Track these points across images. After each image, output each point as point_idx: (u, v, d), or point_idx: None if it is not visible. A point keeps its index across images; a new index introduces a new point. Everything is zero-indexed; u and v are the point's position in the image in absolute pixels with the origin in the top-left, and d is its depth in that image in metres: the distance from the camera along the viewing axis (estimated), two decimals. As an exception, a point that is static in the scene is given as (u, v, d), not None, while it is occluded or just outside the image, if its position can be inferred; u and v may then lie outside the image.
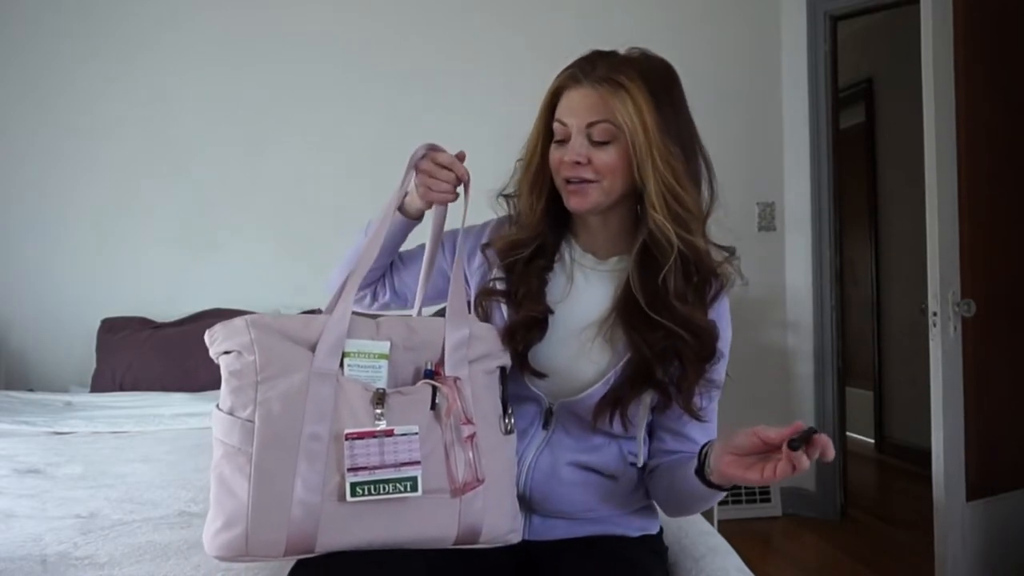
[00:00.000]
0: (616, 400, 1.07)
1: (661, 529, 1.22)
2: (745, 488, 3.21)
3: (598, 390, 1.09)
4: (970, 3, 2.26)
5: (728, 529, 2.42)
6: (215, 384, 1.00)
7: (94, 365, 2.84)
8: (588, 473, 1.13)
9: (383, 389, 0.95)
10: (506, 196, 1.19)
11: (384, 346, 0.98)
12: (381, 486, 0.91)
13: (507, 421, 1.04)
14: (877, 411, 4.48)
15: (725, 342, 1.12)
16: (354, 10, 3.17)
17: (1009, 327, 2.40)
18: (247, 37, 3.13)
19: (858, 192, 4.46)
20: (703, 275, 1.08)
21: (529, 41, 3.17)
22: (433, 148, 1.12)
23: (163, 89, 3.09)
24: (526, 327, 1.09)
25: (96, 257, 3.05)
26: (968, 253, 2.27)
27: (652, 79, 1.05)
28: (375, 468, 0.91)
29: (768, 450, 0.92)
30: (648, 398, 1.09)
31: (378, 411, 0.93)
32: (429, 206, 1.15)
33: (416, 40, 3.19)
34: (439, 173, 1.11)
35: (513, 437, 1.06)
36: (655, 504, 1.20)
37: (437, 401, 0.96)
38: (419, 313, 1.18)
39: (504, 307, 1.13)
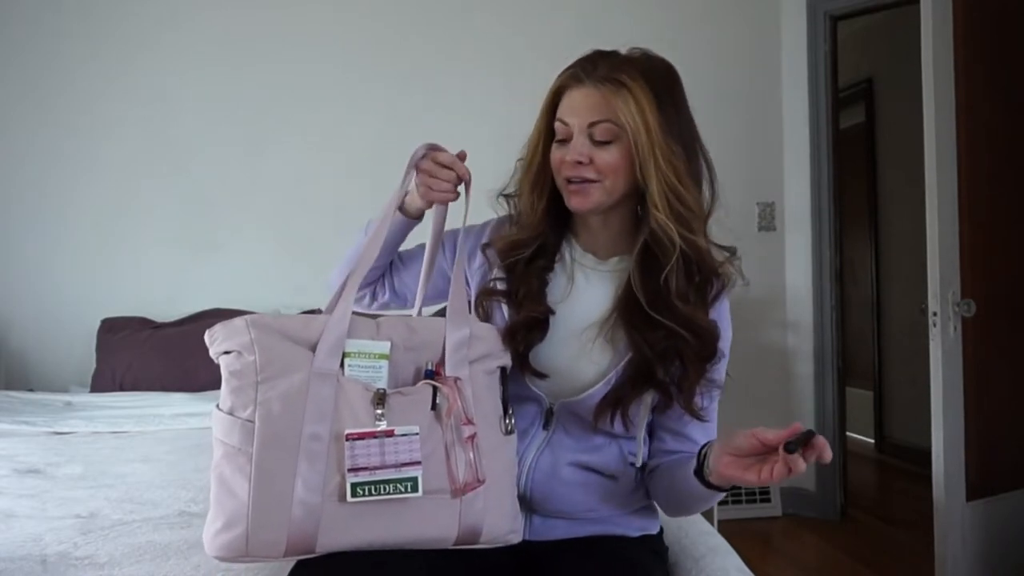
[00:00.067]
0: (617, 400, 1.07)
1: (661, 529, 1.22)
2: (745, 488, 3.21)
3: (599, 390, 1.09)
4: (970, 3, 2.26)
5: (728, 529, 2.42)
6: (215, 384, 1.00)
7: (94, 365, 2.84)
8: (588, 473, 1.13)
9: (383, 389, 0.95)
10: (506, 196, 1.19)
11: (384, 346, 0.98)
12: (382, 486, 0.91)
13: (508, 421, 1.04)
14: (877, 411, 4.48)
15: (726, 342, 1.12)
16: (354, 10, 3.17)
17: (1009, 327, 2.40)
18: (247, 37, 3.13)
19: (858, 192, 4.46)
20: (705, 275, 1.09)
21: (529, 41, 3.17)
22: (434, 148, 1.12)
23: (163, 89, 3.09)
24: (527, 327, 1.09)
25: (96, 257, 3.05)
26: (968, 253, 2.27)
27: (654, 79, 1.06)
28: (376, 468, 0.91)
29: (767, 451, 0.93)
30: (649, 398, 1.09)
31: (379, 411, 0.93)
32: (429, 206, 1.15)
33: (416, 40, 3.19)
34: (440, 172, 1.10)
35: (513, 437, 1.06)
36: (655, 504, 1.20)
37: (438, 401, 0.96)
38: (419, 313, 1.18)
39: (505, 307, 1.13)
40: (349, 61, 3.16)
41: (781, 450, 0.88)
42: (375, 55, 3.18)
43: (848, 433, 3.53)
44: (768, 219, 3.34)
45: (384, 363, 0.98)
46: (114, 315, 2.95)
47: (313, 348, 0.95)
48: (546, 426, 1.13)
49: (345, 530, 0.91)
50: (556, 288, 1.15)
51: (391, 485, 0.91)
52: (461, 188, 1.13)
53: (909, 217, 3.83)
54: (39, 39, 3.03)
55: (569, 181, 1.09)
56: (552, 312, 1.12)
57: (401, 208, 1.16)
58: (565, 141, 1.09)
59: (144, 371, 2.74)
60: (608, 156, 1.06)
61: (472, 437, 0.97)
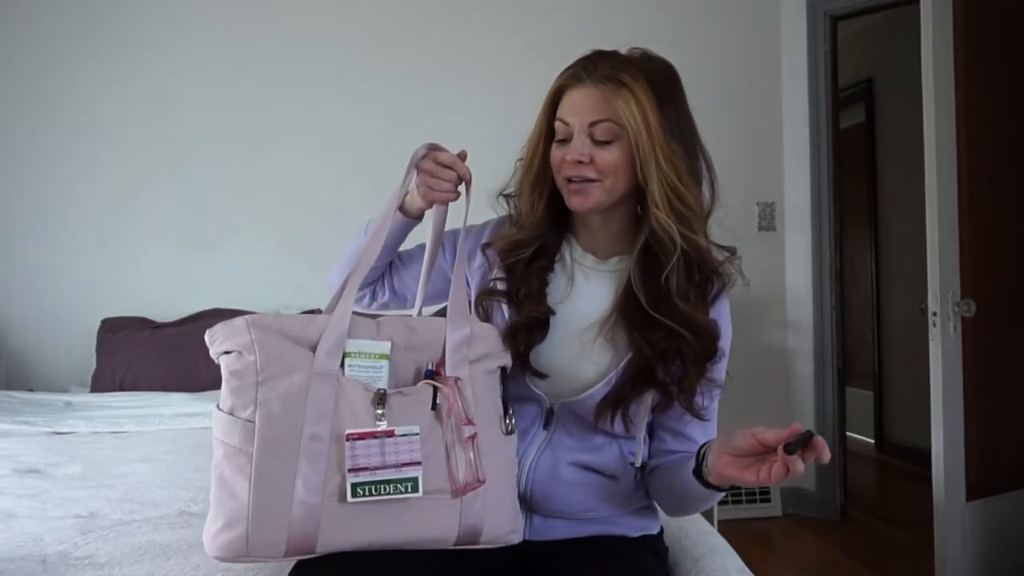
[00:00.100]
0: (617, 400, 1.07)
1: (661, 529, 1.22)
2: (745, 488, 3.21)
3: (599, 390, 1.09)
4: (970, 3, 2.26)
5: (728, 529, 2.42)
6: (215, 384, 1.00)
7: (94, 365, 2.85)
8: (589, 473, 1.13)
9: (384, 389, 0.95)
10: (506, 196, 1.19)
11: (385, 346, 0.98)
12: (382, 487, 0.91)
13: (508, 421, 1.04)
14: (877, 411, 4.48)
15: (726, 341, 1.12)
16: (354, 10, 3.17)
17: (1009, 327, 2.40)
18: (247, 37, 3.13)
19: (858, 192, 4.46)
20: (705, 274, 1.09)
21: (529, 41, 3.17)
22: (434, 147, 1.12)
23: (163, 89, 3.09)
24: (527, 328, 1.09)
25: (96, 257, 3.05)
26: (968, 253, 2.27)
27: (655, 79, 1.06)
28: (376, 468, 0.91)
29: (766, 451, 0.93)
30: (649, 398, 1.09)
31: (379, 411, 0.93)
32: (430, 206, 1.15)
33: (416, 40, 3.19)
34: (441, 172, 1.10)
35: (514, 437, 1.06)
36: (655, 504, 1.20)
37: (438, 401, 0.96)
38: (419, 313, 1.18)
39: (505, 307, 1.13)
40: (349, 61, 3.16)
41: (780, 450, 0.88)
42: (375, 55, 3.18)
43: (848, 433, 3.52)
44: (768, 219, 3.34)
45: (384, 363, 0.98)
46: (114, 315, 2.95)
47: (313, 348, 0.95)
48: (546, 426, 1.13)
49: (345, 530, 0.91)
50: (556, 288, 1.15)
51: (391, 485, 0.91)
52: (461, 188, 1.13)
53: (909, 217, 3.83)
54: (39, 39, 3.03)
55: (569, 180, 1.09)
56: (553, 312, 1.12)
57: (401, 208, 1.16)
58: (565, 141, 1.09)
59: (144, 371, 2.74)
60: (609, 155, 1.06)
61: (472, 437, 0.97)
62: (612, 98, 1.04)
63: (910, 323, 3.85)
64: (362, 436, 0.91)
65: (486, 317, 1.14)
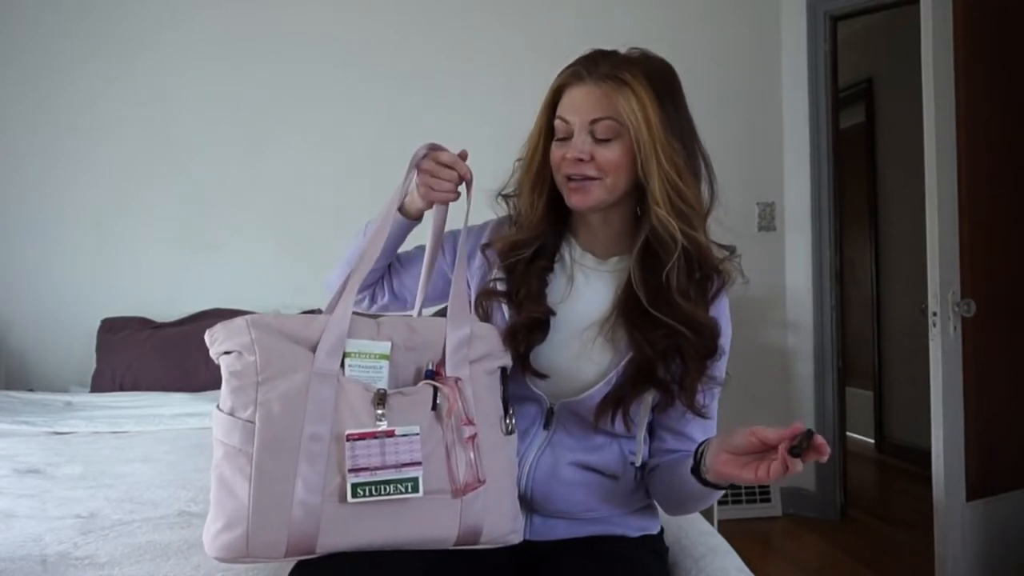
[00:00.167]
0: (618, 400, 1.07)
1: (662, 529, 1.22)
2: (745, 488, 3.21)
3: (599, 390, 1.09)
4: (970, 3, 2.26)
5: (728, 529, 2.41)
6: (215, 384, 1.00)
7: (94, 365, 2.84)
8: (589, 473, 1.13)
9: (384, 390, 0.95)
10: (505, 196, 1.19)
11: (385, 346, 0.98)
12: (382, 487, 0.91)
13: (508, 421, 1.04)
14: (877, 411, 4.48)
15: (726, 339, 1.12)
16: (354, 10, 3.17)
17: (1009, 327, 2.40)
18: (247, 37, 3.13)
19: (858, 192, 4.46)
20: (705, 271, 1.09)
21: (529, 41, 3.17)
22: (435, 147, 1.12)
23: (163, 89, 3.09)
24: (528, 328, 1.09)
25: (96, 257, 3.05)
26: (968, 253, 2.27)
27: (655, 78, 1.06)
28: (376, 469, 0.91)
29: (765, 450, 0.93)
30: (650, 397, 1.09)
31: (379, 412, 0.93)
32: (430, 206, 1.15)
33: (416, 40, 3.19)
34: (441, 172, 1.10)
35: (514, 437, 1.06)
36: (656, 504, 1.20)
37: (438, 401, 0.96)
38: (419, 314, 1.18)
39: (505, 308, 1.13)
40: (349, 61, 3.16)
41: (781, 449, 0.88)
42: (375, 55, 3.18)
43: (848, 433, 3.53)
44: (768, 219, 3.34)
45: (384, 363, 0.98)
46: (114, 315, 2.95)
47: (313, 348, 0.95)
48: (547, 426, 1.13)
49: (345, 531, 0.91)
50: (556, 289, 1.15)
51: (391, 485, 0.91)
52: (462, 188, 1.13)
53: (909, 217, 3.83)
54: (39, 39, 3.03)
55: (569, 179, 1.09)
56: (553, 313, 1.12)
57: (401, 209, 1.16)
58: (565, 139, 1.09)
59: (144, 371, 2.74)
60: (609, 153, 1.06)
61: (472, 437, 0.97)
62: (613, 96, 1.04)
63: (910, 323, 3.85)
64: (362, 436, 0.91)
65: (486, 317, 1.14)
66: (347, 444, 0.91)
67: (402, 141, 1.39)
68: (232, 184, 3.11)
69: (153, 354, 2.78)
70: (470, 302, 1.15)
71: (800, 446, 0.87)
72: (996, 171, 2.37)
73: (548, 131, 1.12)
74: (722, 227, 1.13)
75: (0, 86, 3.02)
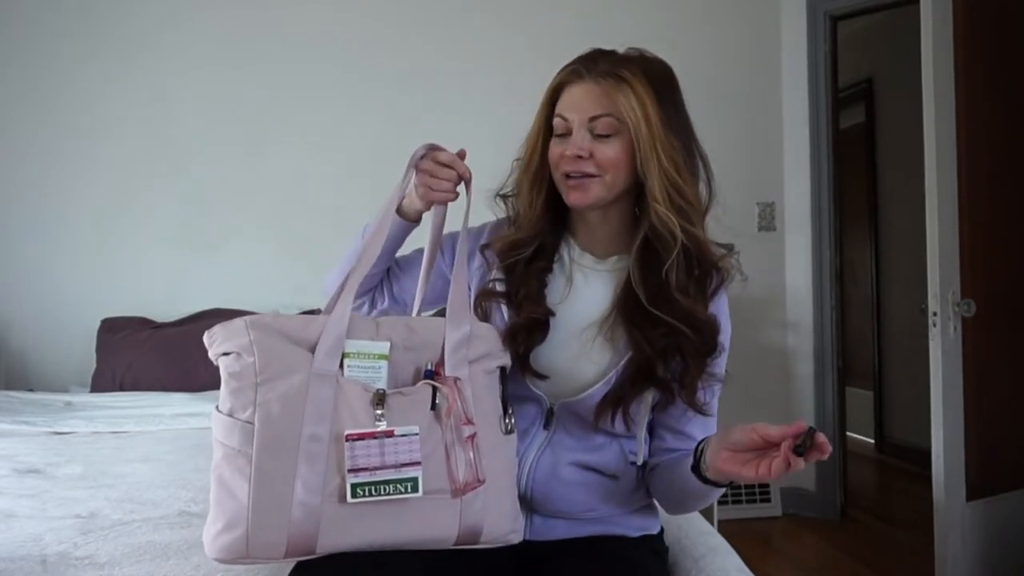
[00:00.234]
0: (618, 399, 1.07)
1: (662, 529, 1.22)
2: (745, 488, 3.21)
3: (599, 390, 1.09)
4: (970, 3, 2.26)
5: (728, 529, 2.41)
6: (215, 384, 1.00)
7: (94, 365, 2.84)
8: (589, 473, 1.13)
9: (383, 390, 0.95)
10: (503, 196, 1.19)
11: (384, 346, 0.98)
12: (382, 487, 0.91)
13: (507, 421, 1.04)
14: (877, 411, 4.48)
15: (726, 335, 1.12)
16: (354, 10, 3.17)
17: (1009, 327, 2.40)
18: (247, 37, 3.13)
19: (858, 192, 4.46)
20: (704, 268, 1.09)
21: (529, 41, 3.17)
22: (433, 147, 1.12)
23: (163, 89, 3.09)
24: (527, 329, 1.09)
25: (96, 257, 3.05)
26: (968, 253, 2.26)
27: (653, 76, 1.06)
28: (376, 469, 0.91)
29: (765, 447, 0.93)
30: (650, 397, 1.09)
31: (378, 412, 0.93)
32: (428, 207, 1.15)
33: (416, 40, 3.19)
34: (440, 172, 1.10)
35: (513, 437, 1.06)
36: (656, 504, 1.20)
37: (437, 401, 0.96)
38: (418, 314, 1.18)
39: (504, 308, 1.13)
40: (349, 61, 3.16)
41: (784, 447, 0.88)
42: (375, 55, 3.18)
43: (848, 433, 3.53)
44: (768, 219, 3.34)
45: (383, 363, 0.98)
46: (114, 315, 2.95)
47: (312, 349, 0.95)
48: (547, 426, 1.13)
49: (345, 531, 0.91)
50: (555, 289, 1.15)
51: (391, 485, 0.91)
52: (460, 188, 1.13)
53: (909, 217, 3.83)
54: (39, 39, 3.03)
55: (568, 176, 1.09)
56: (552, 313, 1.12)
57: (399, 211, 1.16)
58: (564, 137, 1.09)
59: (144, 371, 2.74)
60: (609, 150, 1.06)
61: (472, 437, 0.97)
62: (612, 93, 1.04)
63: (910, 323, 3.85)
64: (361, 436, 0.91)
65: (485, 318, 1.14)
66: (346, 444, 0.91)
67: (402, 141, 1.39)
68: (232, 184, 3.11)
69: (153, 354, 2.78)
70: (470, 302, 1.15)
71: (803, 444, 0.87)
72: (996, 171, 2.37)
73: (547, 129, 1.12)
74: (722, 227, 1.13)
75: (0, 86, 3.02)
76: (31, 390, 2.82)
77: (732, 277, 1.12)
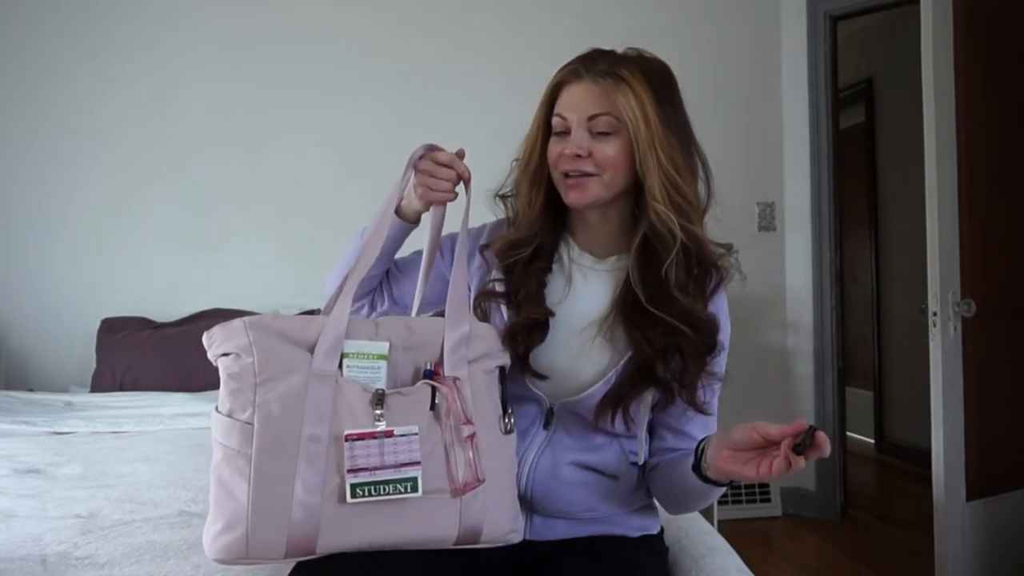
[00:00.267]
0: (618, 399, 1.07)
1: (662, 529, 1.22)
2: (745, 488, 3.21)
3: (599, 390, 1.09)
4: (970, 3, 2.26)
5: (728, 529, 2.41)
6: (215, 384, 1.00)
7: (94, 365, 2.85)
8: (589, 473, 1.13)
9: (382, 390, 0.95)
10: (503, 196, 1.19)
11: (383, 347, 0.98)
12: (381, 487, 0.91)
13: (507, 421, 1.04)
14: (877, 411, 4.48)
15: (725, 334, 1.12)
16: (354, 10, 3.17)
17: (1009, 327, 2.40)
18: (247, 37, 3.13)
19: (858, 192, 4.46)
20: (704, 267, 1.09)
21: (529, 41, 3.17)
22: (432, 148, 1.12)
23: (163, 89, 3.09)
24: (527, 329, 1.09)
25: (96, 257, 3.05)
26: (968, 253, 2.26)
27: (652, 76, 1.07)
28: (375, 469, 0.91)
29: (766, 446, 0.92)
30: (649, 396, 1.09)
31: (378, 412, 0.93)
32: (427, 208, 1.15)
33: (416, 40, 3.19)
34: (439, 172, 1.10)
35: (513, 437, 1.06)
36: (656, 503, 1.20)
37: (437, 401, 0.96)
38: (417, 314, 1.18)
39: (504, 309, 1.13)
40: (349, 61, 3.16)
41: (784, 446, 0.88)
42: (375, 55, 3.18)
43: (848, 433, 3.53)
44: (768, 219, 3.34)
45: (383, 363, 0.98)
46: (114, 315, 2.95)
47: (311, 349, 0.94)
48: (546, 426, 1.13)
49: (345, 531, 0.91)
50: (554, 289, 1.15)
51: (391, 485, 0.91)
52: (460, 189, 1.13)
53: (909, 217, 3.83)
54: (39, 39, 3.03)
55: (567, 175, 1.09)
56: (552, 314, 1.12)
57: (398, 212, 1.16)
58: (563, 136, 1.09)
59: (144, 371, 2.74)
60: (607, 149, 1.06)
61: (471, 437, 0.97)
62: (611, 92, 1.05)
63: (910, 323, 3.85)
64: (361, 436, 0.91)
65: (484, 318, 1.14)
66: (346, 444, 0.91)
67: (402, 141, 1.39)
68: (232, 184, 3.11)
69: (153, 354, 2.78)
70: (469, 302, 1.15)
71: (804, 443, 0.87)
72: (996, 171, 2.37)
73: (546, 129, 1.12)
74: (721, 227, 1.13)
75: (0, 86, 3.03)
76: (31, 390, 2.83)
77: (731, 276, 1.12)
